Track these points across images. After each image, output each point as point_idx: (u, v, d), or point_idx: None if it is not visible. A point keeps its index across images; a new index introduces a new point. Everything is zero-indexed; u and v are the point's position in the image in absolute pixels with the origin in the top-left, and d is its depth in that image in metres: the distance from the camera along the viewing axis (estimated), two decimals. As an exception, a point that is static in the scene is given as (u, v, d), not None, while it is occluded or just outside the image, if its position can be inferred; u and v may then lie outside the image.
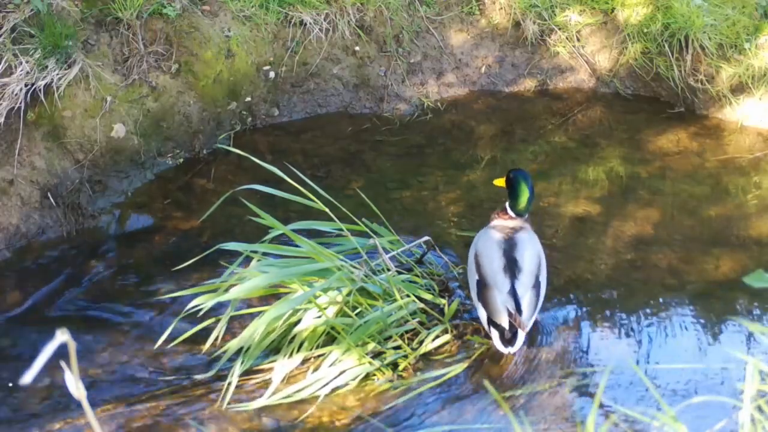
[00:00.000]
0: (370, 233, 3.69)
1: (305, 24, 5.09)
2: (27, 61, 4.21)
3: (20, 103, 4.14)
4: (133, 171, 4.56)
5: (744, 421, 1.94)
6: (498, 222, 3.66)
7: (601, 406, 3.27)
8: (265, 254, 3.53)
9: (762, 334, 3.18)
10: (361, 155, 4.93)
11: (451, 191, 4.62)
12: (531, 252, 3.50)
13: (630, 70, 5.50)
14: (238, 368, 3.24)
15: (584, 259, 4.12)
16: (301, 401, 3.25)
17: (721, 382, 3.39)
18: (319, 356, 3.38)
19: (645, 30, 5.37)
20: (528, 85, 5.58)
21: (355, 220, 3.70)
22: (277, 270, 3.35)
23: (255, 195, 3.48)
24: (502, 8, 5.53)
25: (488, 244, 3.53)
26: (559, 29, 5.49)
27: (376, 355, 3.42)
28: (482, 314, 3.42)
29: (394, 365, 3.41)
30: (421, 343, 3.51)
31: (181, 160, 4.74)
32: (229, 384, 3.19)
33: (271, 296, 3.58)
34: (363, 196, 3.90)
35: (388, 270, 3.56)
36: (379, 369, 3.36)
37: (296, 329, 3.36)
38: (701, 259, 4.14)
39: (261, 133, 5.05)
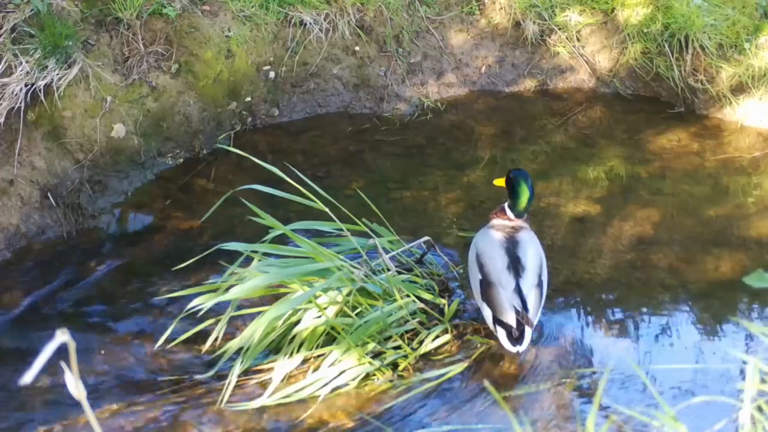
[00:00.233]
0: (370, 233, 3.69)
1: (305, 24, 5.09)
2: (27, 61, 4.21)
3: (20, 103, 4.14)
4: (133, 171, 4.56)
5: (744, 421, 1.94)
6: (497, 222, 3.65)
7: (601, 406, 3.27)
8: (265, 254, 3.52)
9: (762, 334, 3.17)
10: (361, 155, 4.93)
11: (451, 191, 4.62)
12: (533, 251, 3.49)
13: (630, 70, 5.50)
14: (238, 368, 3.24)
15: (584, 259, 4.12)
16: (301, 401, 3.25)
17: (721, 382, 3.39)
18: (319, 356, 3.37)
19: (645, 30, 5.37)
20: (528, 85, 5.58)
21: (355, 220, 3.70)
22: (277, 270, 3.35)
23: (255, 195, 3.47)
24: (502, 8, 5.53)
25: (490, 243, 3.52)
26: (559, 29, 5.49)
27: (376, 355, 3.42)
28: (487, 313, 3.40)
29: (394, 365, 3.41)
30: (421, 343, 3.50)
31: (181, 160, 4.74)
32: (229, 384, 3.20)
33: (271, 296, 3.58)
34: (363, 196, 3.90)
35: (388, 270, 3.56)
36: (379, 369, 3.36)
37: (296, 329, 3.36)
38: (701, 259, 4.14)
39: (261, 133, 5.05)
